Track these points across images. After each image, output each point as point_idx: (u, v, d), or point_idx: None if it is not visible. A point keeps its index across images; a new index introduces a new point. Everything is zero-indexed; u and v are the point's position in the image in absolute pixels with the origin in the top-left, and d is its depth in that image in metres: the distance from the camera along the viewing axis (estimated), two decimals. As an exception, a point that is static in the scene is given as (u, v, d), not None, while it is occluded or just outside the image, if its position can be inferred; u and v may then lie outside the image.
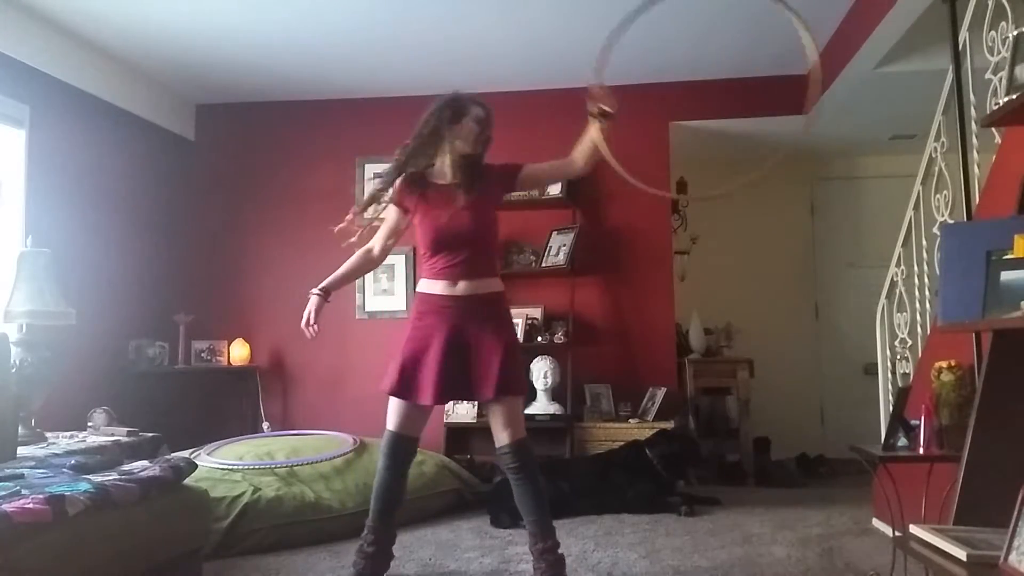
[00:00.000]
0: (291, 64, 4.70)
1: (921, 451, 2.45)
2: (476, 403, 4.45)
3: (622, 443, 4.34)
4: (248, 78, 4.91)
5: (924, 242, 3.39)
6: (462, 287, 2.64)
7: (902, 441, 2.51)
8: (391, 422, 2.71)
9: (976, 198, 2.81)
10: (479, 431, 4.57)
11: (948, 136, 3.15)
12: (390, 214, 2.80)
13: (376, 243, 2.86)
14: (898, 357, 3.62)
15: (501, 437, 2.62)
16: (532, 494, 2.60)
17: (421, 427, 2.75)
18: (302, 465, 3.67)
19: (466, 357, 2.61)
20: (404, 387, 2.65)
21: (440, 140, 2.67)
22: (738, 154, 5.80)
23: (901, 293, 3.61)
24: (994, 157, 2.73)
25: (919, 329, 3.47)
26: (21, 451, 2.87)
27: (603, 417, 4.71)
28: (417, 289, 2.76)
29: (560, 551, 2.59)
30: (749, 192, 5.96)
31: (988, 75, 2.64)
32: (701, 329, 5.20)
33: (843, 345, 5.71)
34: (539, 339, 4.76)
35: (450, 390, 2.65)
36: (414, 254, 5.14)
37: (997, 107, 2.24)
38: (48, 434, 3.42)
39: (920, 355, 3.35)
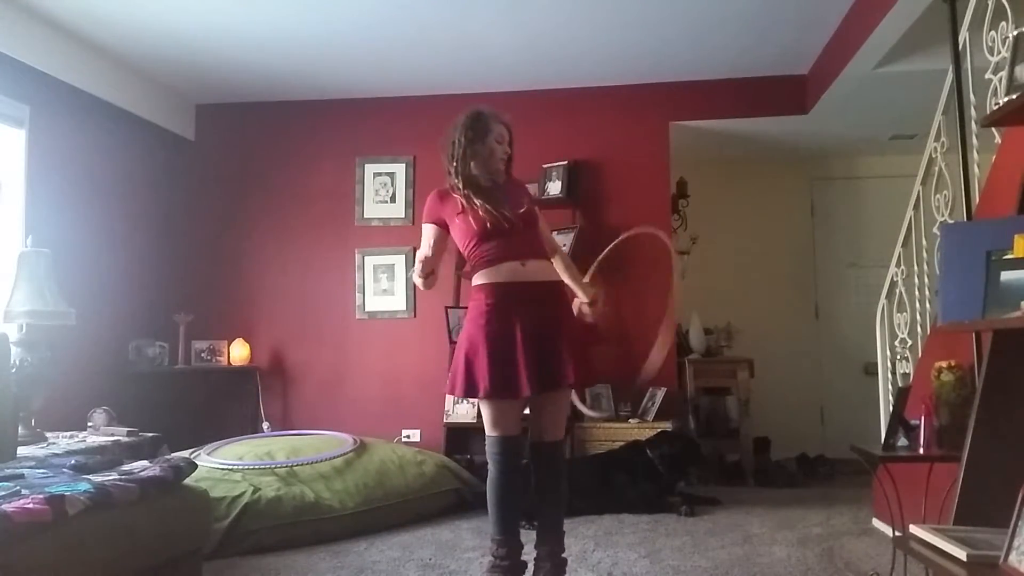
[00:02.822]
0: (291, 64, 4.69)
1: (921, 451, 2.45)
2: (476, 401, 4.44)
3: (622, 443, 4.35)
4: (248, 78, 4.91)
5: (924, 242, 3.39)
6: (532, 268, 2.59)
7: (902, 441, 2.51)
8: (496, 427, 2.52)
9: (976, 198, 2.81)
10: (479, 431, 4.58)
11: (948, 136, 3.15)
12: (431, 233, 2.68)
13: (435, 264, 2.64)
14: (898, 357, 3.62)
15: (550, 432, 2.59)
16: (558, 497, 2.62)
17: (520, 421, 2.59)
18: (302, 465, 3.67)
19: (544, 345, 2.51)
20: (500, 388, 2.47)
21: (465, 156, 2.64)
22: (738, 154, 5.80)
23: (901, 293, 3.61)
24: (994, 157, 2.73)
25: (919, 329, 3.47)
26: (21, 451, 2.87)
27: (603, 417, 4.70)
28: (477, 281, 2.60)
29: (564, 555, 2.60)
30: (749, 192, 5.98)
31: (988, 75, 2.63)
32: (701, 329, 5.20)
33: (843, 345, 5.71)
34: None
35: (541, 379, 2.48)
36: (414, 254, 5.14)
37: (997, 107, 2.24)
38: (48, 434, 3.41)
39: (920, 355, 3.35)
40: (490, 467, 2.55)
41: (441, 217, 2.67)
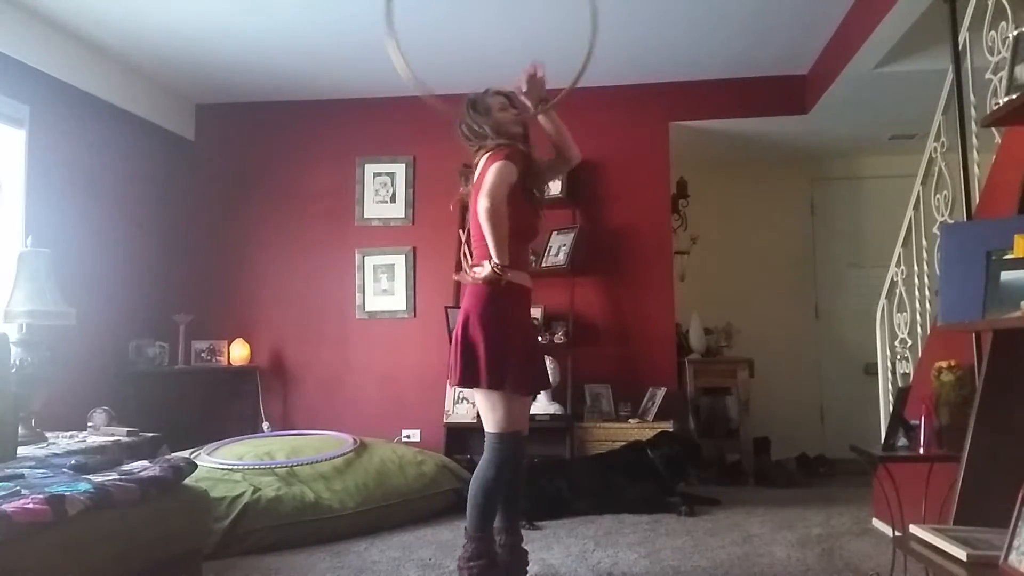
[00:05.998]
0: (291, 64, 4.69)
1: (921, 451, 2.45)
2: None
3: (622, 443, 4.35)
4: (248, 78, 4.91)
5: (924, 242, 3.39)
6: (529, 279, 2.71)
7: (902, 441, 2.51)
8: (512, 424, 2.50)
9: (976, 198, 2.81)
10: (479, 431, 4.58)
11: (948, 136, 3.15)
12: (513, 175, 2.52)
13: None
14: (898, 357, 3.62)
15: (526, 426, 2.72)
16: (521, 489, 2.73)
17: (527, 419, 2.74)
18: (302, 465, 3.67)
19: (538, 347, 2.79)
20: (529, 382, 2.59)
21: (485, 139, 2.62)
22: (738, 154, 5.80)
23: (901, 293, 3.61)
24: (994, 157, 2.73)
25: (919, 329, 3.47)
26: (21, 451, 2.87)
27: (603, 417, 4.70)
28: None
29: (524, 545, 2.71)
30: (749, 192, 5.98)
31: (988, 75, 2.64)
32: (701, 329, 5.19)
33: (843, 345, 5.71)
34: (539, 339, 4.76)
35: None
36: (414, 254, 5.14)
37: (997, 107, 2.24)
38: (48, 434, 3.41)
39: (920, 355, 3.35)
40: (500, 465, 2.48)
41: (518, 170, 2.52)
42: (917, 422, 2.48)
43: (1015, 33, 2.24)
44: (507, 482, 2.56)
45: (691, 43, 4.46)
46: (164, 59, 4.58)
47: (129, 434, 3.55)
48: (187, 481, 2.52)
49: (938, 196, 3.17)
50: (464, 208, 5.00)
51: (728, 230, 5.89)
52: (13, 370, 3.04)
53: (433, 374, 4.89)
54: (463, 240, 2.69)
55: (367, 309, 5.17)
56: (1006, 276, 2.00)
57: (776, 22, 4.16)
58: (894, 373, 3.68)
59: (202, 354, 5.02)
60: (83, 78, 4.31)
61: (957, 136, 2.87)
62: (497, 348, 2.44)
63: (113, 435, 3.54)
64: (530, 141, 2.75)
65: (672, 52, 4.60)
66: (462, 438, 4.78)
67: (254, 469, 3.55)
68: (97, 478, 2.21)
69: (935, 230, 3.18)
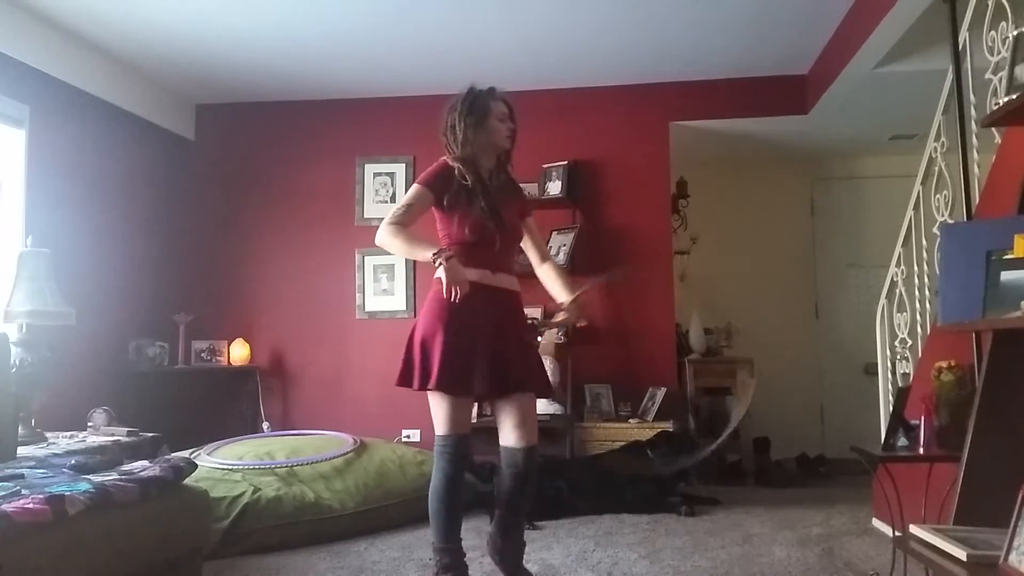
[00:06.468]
0: (291, 64, 4.69)
1: (921, 451, 2.45)
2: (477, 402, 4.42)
3: (622, 443, 4.35)
4: (248, 78, 4.91)
5: (924, 242, 3.39)
6: (500, 278, 2.55)
7: (902, 441, 2.51)
8: (454, 426, 2.44)
9: (976, 198, 2.81)
10: (479, 431, 4.56)
11: (948, 136, 3.15)
12: (421, 197, 2.55)
13: (408, 224, 2.56)
14: (898, 357, 3.62)
15: (521, 435, 2.50)
16: (523, 505, 2.60)
17: (470, 421, 2.53)
18: (302, 465, 3.67)
19: (505, 348, 2.47)
20: (453, 381, 2.40)
21: (468, 142, 2.54)
22: (738, 154, 5.80)
23: (901, 293, 3.61)
24: (994, 157, 2.73)
25: (919, 329, 3.47)
26: (21, 451, 2.87)
27: (603, 417, 4.70)
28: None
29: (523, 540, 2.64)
30: (749, 192, 5.98)
31: (988, 75, 2.63)
32: (701, 329, 5.19)
33: (843, 345, 5.71)
34: (539, 339, 4.75)
35: (499, 381, 2.45)
36: (414, 254, 5.13)
37: (997, 107, 2.24)
38: (48, 434, 3.42)
39: (920, 355, 3.35)
40: (441, 469, 2.44)
41: (441, 189, 2.52)
42: (917, 422, 2.48)
43: (1015, 33, 2.24)
44: (509, 491, 2.53)
45: (691, 43, 4.46)
46: (164, 59, 4.58)
47: (129, 434, 3.56)
48: (187, 481, 2.52)
49: (938, 196, 3.17)
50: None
51: (728, 230, 5.89)
52: (13, 370, 3.04)
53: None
54: None
55: (367, 309, 5.17)
56: (1006, 276, 2.00)
57: (776, 22, 4.16)
58: (894, 373, 3.67)
59: (202, 354, 5.02)
60: (83, 78, 4.31)
61: (957, 136, 2.87)
62: (420, 346, 2.43)
63: (113, 435, 3.54)
64: (512, 158, 2.69)
65: (672, 52, 4.60)
66: (462, 438, 4.77)
67: (254, 469, 3.55)
68: (97, 478, 2.21)
69: (935, 230, 3.18)
